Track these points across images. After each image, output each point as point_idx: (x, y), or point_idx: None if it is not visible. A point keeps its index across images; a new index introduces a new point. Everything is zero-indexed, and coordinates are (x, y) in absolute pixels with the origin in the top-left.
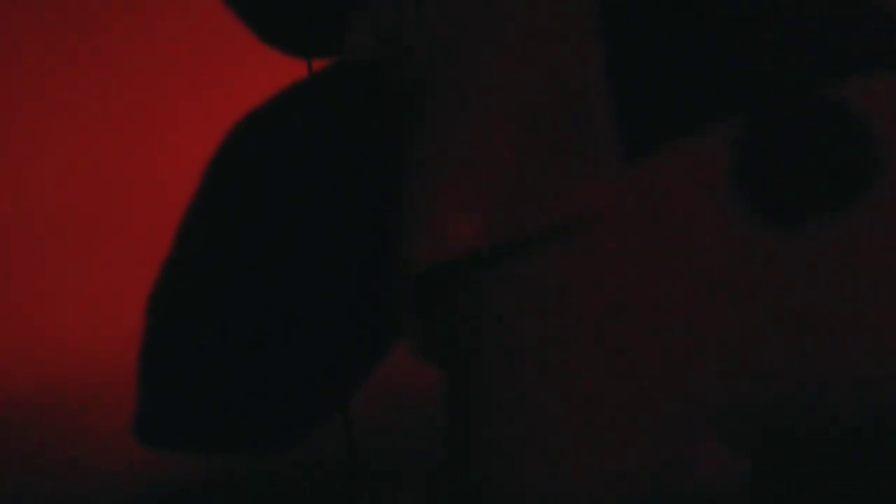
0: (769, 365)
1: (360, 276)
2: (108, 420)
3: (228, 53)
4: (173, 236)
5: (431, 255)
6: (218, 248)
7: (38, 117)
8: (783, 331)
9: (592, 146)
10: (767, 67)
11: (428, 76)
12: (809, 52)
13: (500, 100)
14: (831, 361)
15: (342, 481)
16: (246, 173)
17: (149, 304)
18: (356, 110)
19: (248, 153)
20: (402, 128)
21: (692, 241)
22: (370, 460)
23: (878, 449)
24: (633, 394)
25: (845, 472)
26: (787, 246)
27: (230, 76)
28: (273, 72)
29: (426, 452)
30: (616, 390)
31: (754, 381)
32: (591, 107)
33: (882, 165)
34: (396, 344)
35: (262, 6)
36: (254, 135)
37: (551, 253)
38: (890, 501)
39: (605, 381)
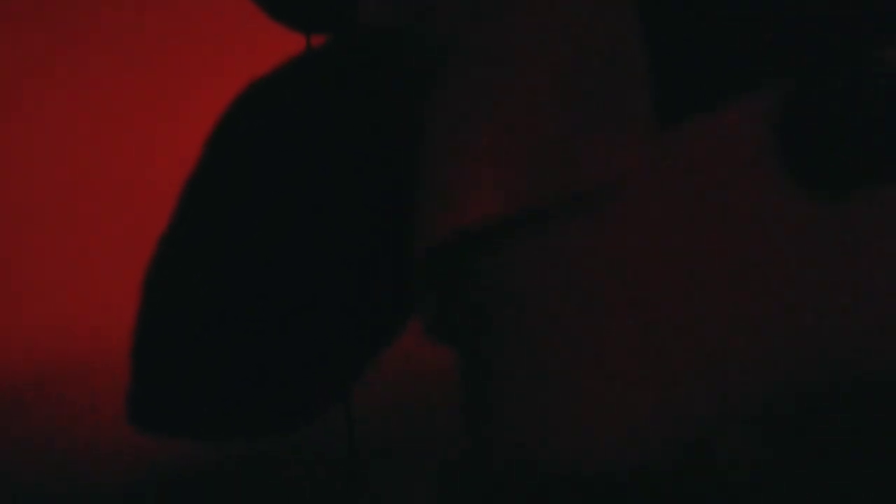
0: (805, 344)
1: (371, 252)
2: (107, 408)
3: (224, 45)
4: (171, 211)
5: (453, 224)
6: (217, 224)
7: (35, 111)
8: (821, 308)
9: (626, 112)
10: (814, 31)
11: (451, 41)
12: (859, 14)
13: (530, 64)
14: (872, 342)
15: (342, 480)
16: (250, 144)
17: (144, 282)
18: (368, 77)
19: (253, 123)
20: (421, 94)
21: (727, 212)
22: (370, 459)
23: None
24: (661, 368)
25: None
26: (829, 219)
27: (227, 68)
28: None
29: (427, 452)
30: (644, 364)
31: (789, 361)
32: (625, 72)
33: None
34: (408, 323)
35: None
36: (259, 103)
37: (579, 221)
38: None
39: (633, 354)
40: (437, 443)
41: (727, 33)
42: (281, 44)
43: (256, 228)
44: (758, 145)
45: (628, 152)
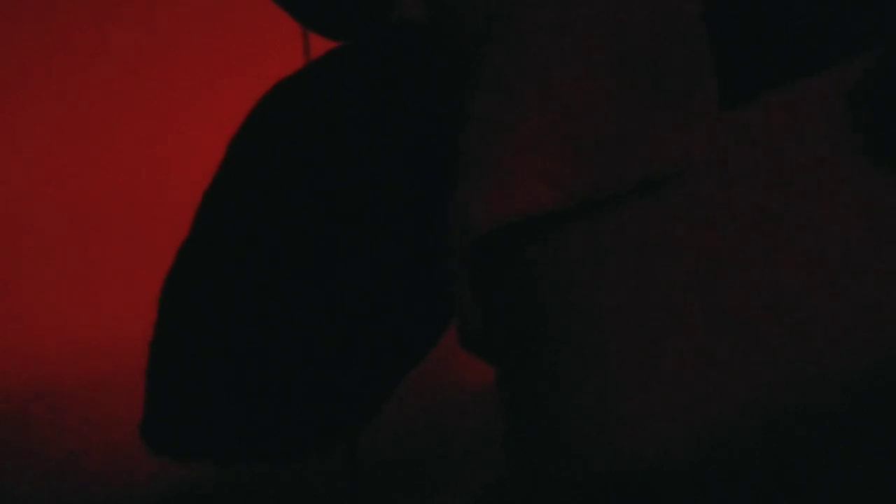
0: (885, 332)
1: (404, 257)
2: (112, 420)
3: (230, 49)
4: (193, 217)
5: (500, 214)
6: (240, 235)
7: (39, 114)
8: None
9: (690, 93)
10: (888, 2)
11: (495, 25)
12: None
13: (586, 43)
14: None
15: (343, 486)
16: (274, 143)
17: (162, 293)
18: (400, 70)
19: (278, 120)
20: (458, 85)
21: (802, 194)
22: (372, 469)
23: None
24: (728, 360)
25: None
26: None
27: (234, 73)
28: (276, 68)
29: (429, 457)
30: (709, 355)
31: (870, 352)
32: (689, 51)
33: None
34: (445, 331)
35: None
36: (285, 102)
37: (640, 209)
38: None
39: (698, 346)
40: (438, 448)
41: (795, 8)
42: (287, 46)
43: (281, 238)
44: (833, 123)
45: (694, 135)
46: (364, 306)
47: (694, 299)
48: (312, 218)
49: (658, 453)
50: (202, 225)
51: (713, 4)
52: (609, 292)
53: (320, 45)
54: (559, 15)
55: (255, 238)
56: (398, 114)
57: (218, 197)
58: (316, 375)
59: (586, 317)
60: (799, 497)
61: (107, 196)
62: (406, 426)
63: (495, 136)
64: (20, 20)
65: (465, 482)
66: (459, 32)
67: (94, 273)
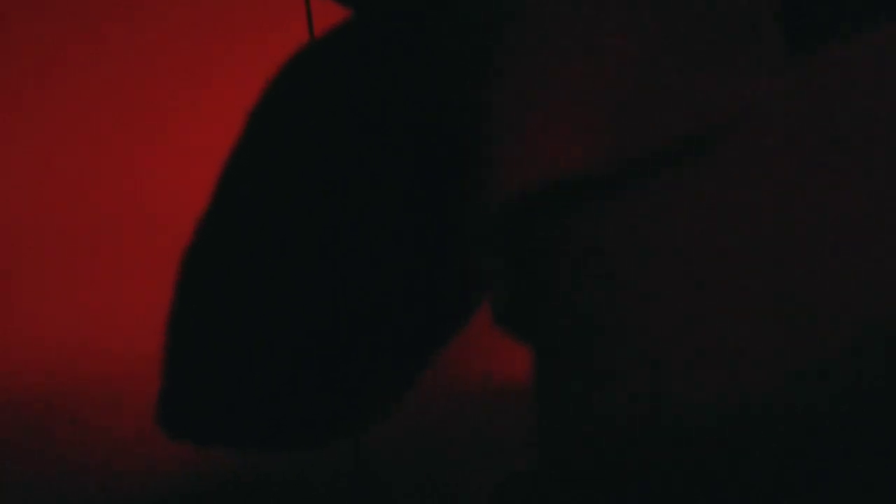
0: None
1: (429, 230)
2: (119, 421)
3: (234, 44)
4: (212, 190)
5: (534, 177)
6: (254, 222)
7: (42, 117)
8: None
9: (751, 36)
10: None
11: None
12: None
13: None
14: None
15: (348, 486)
16: (293, 113)
17: (180, 270)
18: (420, 37)
19: (297, 91)
20: (480, 45)
21: (868, 147)
22: (377, 468)
23: None
24: (789, 317)
25: None
26: None
27: (236, 76)
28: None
29: (431, 458)
30: (771, 313)
31: None
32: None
33: None
34: (476, 310)
35: None
36: (306, 70)
37: (691, 171)
38: None
39: (761, 304)
40: (440, 449)
41: None
42: (290, 39)
43: (296, 225)
44: None
45: (756, 83)
46: (372, 298)
47: (755, 273)
48: (326, 201)
49: (715, 428)
50: (219, 202)
51: None
52: (658, 265)
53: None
54: None
55: (271, 221)
56: (412, 86)
57: (234, 176)
58: (327, 362)
59: (631, 291)
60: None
61: (112, 199)
62: (407, 426)
63: (529, 94)
64: (20, 22)
65: (465, 482)
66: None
67: (100, 272)
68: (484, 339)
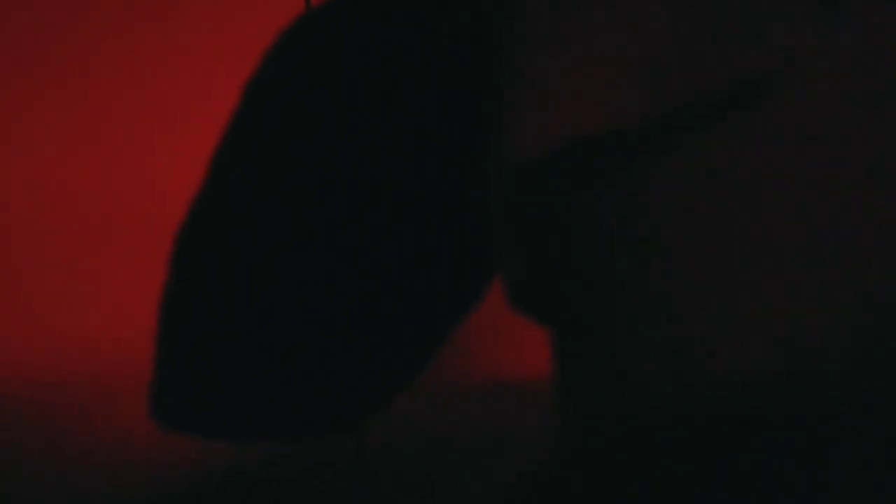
0: None
1: (435, 208)
2: (119, 419)
3: (228, 46)
4: (208, 161)
5: (560, 136)
6: (258, 185)
7: (41, 117)
8: None
9: None
10: None
11: None
12: None
13: None
14: None
15: (350, 482)
16: (291, 85)
17: (172, 253)
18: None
19: (294, 61)
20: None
21: None
22: (379, 466)
23: None
24: (833, 274)
25: None
26: None
27: (236, 76)
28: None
29: (433, 457)
30: (815, 269)
31: None
32: None
33: None
34: (489, 286)
35: None
36: (302, 40)
37: (728, 130)
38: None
39: (807, 259)
40: (443, 449)
41: None
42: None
43: (295, 203)
44: None
45: (801, 32)
46: (376, 280)
47: (794, 208)
48: (325, 179)
49: (760, 364)
50: (214, 183)
51: None
52: (692, 225)
53: None
54: None
55: (268, 198)
56: (417, 52)
57: (230, 154)
58: (327, 349)
59: (665, 254)
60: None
61: (110, 197)
62: (408, 425)
63: (558, 49)
64: (20, 22)
65: (467, 482)
66: None
67: (100, 272)
68: (484, 338)
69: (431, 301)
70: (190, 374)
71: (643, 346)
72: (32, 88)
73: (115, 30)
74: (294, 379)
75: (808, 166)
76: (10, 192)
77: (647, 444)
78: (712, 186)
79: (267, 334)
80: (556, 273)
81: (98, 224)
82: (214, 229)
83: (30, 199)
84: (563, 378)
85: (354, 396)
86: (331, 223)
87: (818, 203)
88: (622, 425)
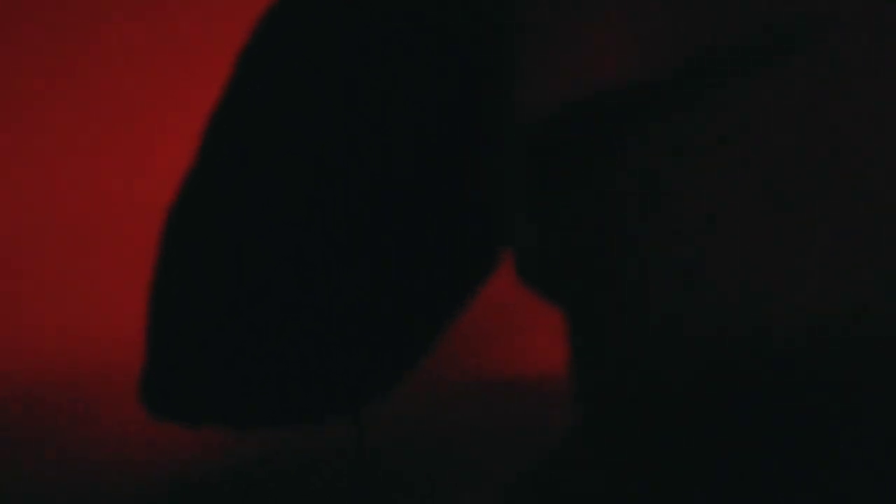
0: None
1: (449, 168)
2: (115, 412)
3: (229, 54)
4: (198, 142)
5: (575, 89)
6: (250, 159)
7: (38, 118)
8: None
9: None
10: None
11: None
12: None
13: None
14: None
15: (351, 482)
16: (285, 52)
17: (164, 229)
18: None
19: (288, 30)
20: None
21: None
22: (379, 462)
23: None
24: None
25: None
26: None
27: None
28: None
29: (433, 457)
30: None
31: None
32: None
33: None
34: (498, 260)
35: None
36: (297, 8)
37: (759, 81)
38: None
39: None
40: (443, 446)
41: None
42: None
43: (289, 176)
44: None
45: None
46: (380, 256)
47: (830, 163)
48: (321, 152)
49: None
50: (206, 154)
51: None
52: (713, 184)
53: None
54: None
55: (261, 171)
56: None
57: (221, 127)
58: (320, 337)
59: (687, 214)
60: None
61: (105, 197)
62: (410, 425)
63: (567, 6)
64: (20, 23)
65: (467, 482)
66: None
67: (100, 272)
68: (484, 338)
69: (429, 285)
70: (182, 361)
71: (676, 303)
72: (29, 88)
73: (115, 30)
74: (289, 366)
75: (851, 115)
76: (9, 191)
77: (666, 408)
78: (747, 139)
79: (262, 321)
80: (571, 236)
81: (97, 223)
82: (210, 213)
83: (29, 199)
84: (580, 354)
85: (350, 383)
86: (327, 211)
87: (863, 156)
88: (645, 382)
